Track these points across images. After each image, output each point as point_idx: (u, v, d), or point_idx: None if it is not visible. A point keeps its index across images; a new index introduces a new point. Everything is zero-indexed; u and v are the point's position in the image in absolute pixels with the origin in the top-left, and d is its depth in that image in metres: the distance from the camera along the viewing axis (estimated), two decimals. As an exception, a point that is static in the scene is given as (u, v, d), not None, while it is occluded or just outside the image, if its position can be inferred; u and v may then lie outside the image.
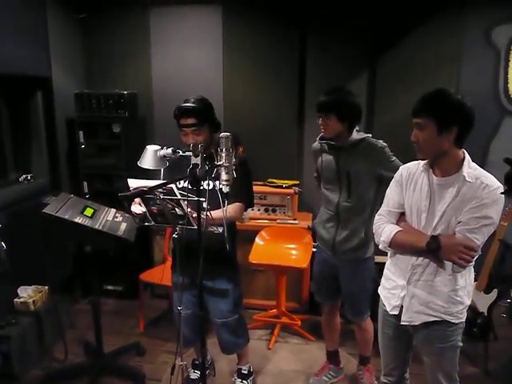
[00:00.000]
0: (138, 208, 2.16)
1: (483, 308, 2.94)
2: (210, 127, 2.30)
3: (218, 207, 2.00)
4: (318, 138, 2.54)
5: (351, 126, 2.38)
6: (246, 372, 2.77)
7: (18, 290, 3.07)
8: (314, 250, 2.79)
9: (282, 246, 3.41)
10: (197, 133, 2.24)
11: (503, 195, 1.69)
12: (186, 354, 2.94)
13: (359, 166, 2.38)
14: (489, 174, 1.74)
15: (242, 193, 2.33)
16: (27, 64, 3.29)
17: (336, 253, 2.51)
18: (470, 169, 1.74)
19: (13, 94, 3.47)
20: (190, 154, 1.98)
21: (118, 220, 2.59)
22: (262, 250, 3.33)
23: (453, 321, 1.82)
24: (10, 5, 3.07)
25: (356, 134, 2.40)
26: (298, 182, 3.81)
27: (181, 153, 2.09)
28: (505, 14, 3.51)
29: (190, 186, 1.94)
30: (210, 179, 2.20)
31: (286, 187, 3.72)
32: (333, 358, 2.89)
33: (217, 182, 2.18)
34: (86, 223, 2.40)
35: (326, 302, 2.77)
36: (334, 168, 2.44)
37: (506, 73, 3.60)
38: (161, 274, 3.43)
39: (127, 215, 2.62)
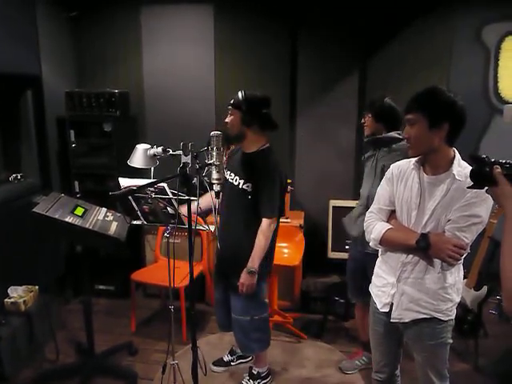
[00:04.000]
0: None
1: (473, 305, 2.96)
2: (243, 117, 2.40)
3: (235, 204, 2.36)
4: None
5: (387, 127, 2.55)
6: (255, 372, 2.78)
7: (9, 290, 3.04)
8: (347, 247, 2.94)
9: (274, 244, 3.41)
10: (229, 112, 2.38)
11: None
12: (178, 353, 2.94)
13: None
14: (479, 173, 1.75)
15: (264, 205, 2.41)
16: (16, 62, 3.26)
17: (366, 247, 2.51)
18: (460, 167, 1.74)
19: (2, 93, 3.43)
20: (180, 152, 1.99)
21: (108, 219, 2.58)
22: (254, 249, 3.32)
23: (442, 318, 1.83)
24: (-1, 3, 3.05)
25: (393, 133, 2.55)
26: (289, 181, 3.81)
27: (171, 151, 2.09)
28: (495, 12, 3.53)
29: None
30: (229, 175, 2.42)
31: (277, 186, 3.72)
32: (368, 347, 2.92)
33: (238, 179, 2.41)
34: (76, 222, 2.38)
35: (358, 300, 2.84)
36: (373, 162, 2.60)
37: (496, 71, 3.63)
38: (152, 273, 3.44)
39: (118, 214, 2.62)
